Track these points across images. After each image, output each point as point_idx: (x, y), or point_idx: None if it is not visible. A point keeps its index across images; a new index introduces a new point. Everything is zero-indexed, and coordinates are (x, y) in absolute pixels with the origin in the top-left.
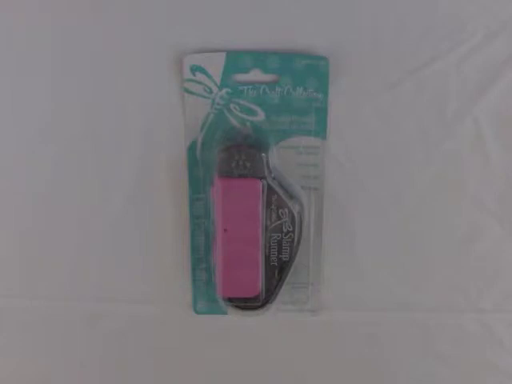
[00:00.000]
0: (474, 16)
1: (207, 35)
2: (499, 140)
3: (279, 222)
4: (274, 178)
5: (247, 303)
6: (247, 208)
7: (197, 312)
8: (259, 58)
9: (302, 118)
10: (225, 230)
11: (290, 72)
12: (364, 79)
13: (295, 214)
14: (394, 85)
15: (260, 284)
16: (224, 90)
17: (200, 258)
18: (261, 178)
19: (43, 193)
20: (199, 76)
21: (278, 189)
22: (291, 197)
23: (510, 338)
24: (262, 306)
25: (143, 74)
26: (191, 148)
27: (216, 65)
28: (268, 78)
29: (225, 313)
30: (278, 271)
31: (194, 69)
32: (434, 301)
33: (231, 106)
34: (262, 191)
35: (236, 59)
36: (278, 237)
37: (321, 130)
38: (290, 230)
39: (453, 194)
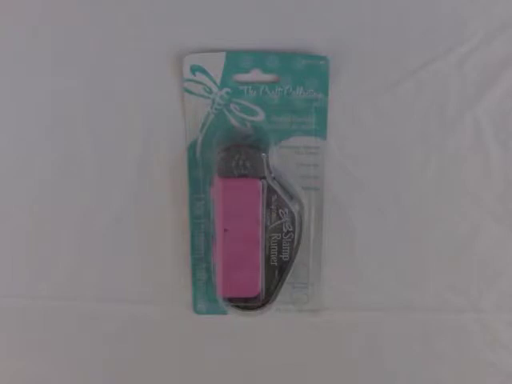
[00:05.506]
0: (474, 16)
1: (207, 35)
2: (499, 140)
3: (279, 222)
4: (274, 178)
5: (247, 303)
6: (247, 208)
7: (197, 312)
8: (259, 57)
9: (301, 118)
10: (225, 230)
11: (290, 72)
12: (364, 79)
13: (295, 214)
14: (394, 85)
15: (260, 284)
16: (224, 90)
17: (200, 258)
18: (261, 178)
19: (43, 193)
20: (199, 76)
21: (277, 189)
22: (291, 197)
23: (510, 338)
24: (262, 305)
25: (143, 73)
26: (191, 148)
27: (216, 65)
28: (268, 77)
29: (225, 313)
30: (278, 271)
31: (194, 69)
32: (434, 301)
33: (231, 105)
34: (262, 191)
35: (236, 59)
36: (278, 237)
37: (321, 130)
38: (290, 230)
39: (453, 194)
